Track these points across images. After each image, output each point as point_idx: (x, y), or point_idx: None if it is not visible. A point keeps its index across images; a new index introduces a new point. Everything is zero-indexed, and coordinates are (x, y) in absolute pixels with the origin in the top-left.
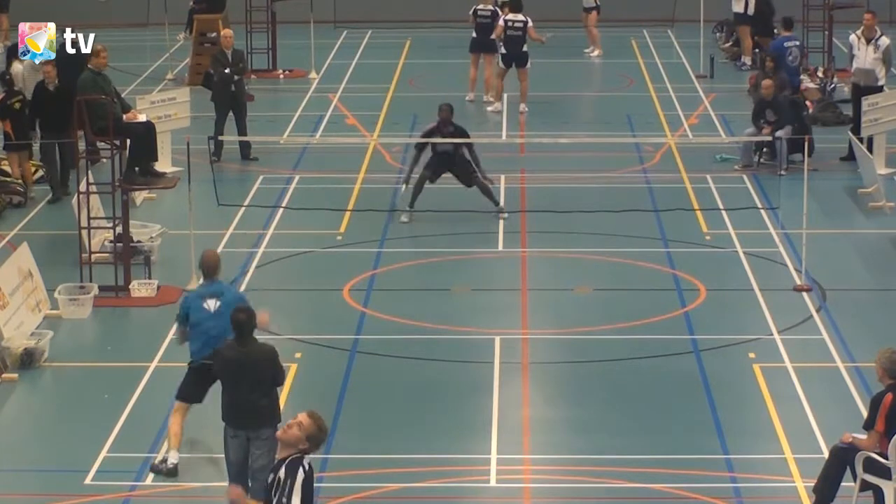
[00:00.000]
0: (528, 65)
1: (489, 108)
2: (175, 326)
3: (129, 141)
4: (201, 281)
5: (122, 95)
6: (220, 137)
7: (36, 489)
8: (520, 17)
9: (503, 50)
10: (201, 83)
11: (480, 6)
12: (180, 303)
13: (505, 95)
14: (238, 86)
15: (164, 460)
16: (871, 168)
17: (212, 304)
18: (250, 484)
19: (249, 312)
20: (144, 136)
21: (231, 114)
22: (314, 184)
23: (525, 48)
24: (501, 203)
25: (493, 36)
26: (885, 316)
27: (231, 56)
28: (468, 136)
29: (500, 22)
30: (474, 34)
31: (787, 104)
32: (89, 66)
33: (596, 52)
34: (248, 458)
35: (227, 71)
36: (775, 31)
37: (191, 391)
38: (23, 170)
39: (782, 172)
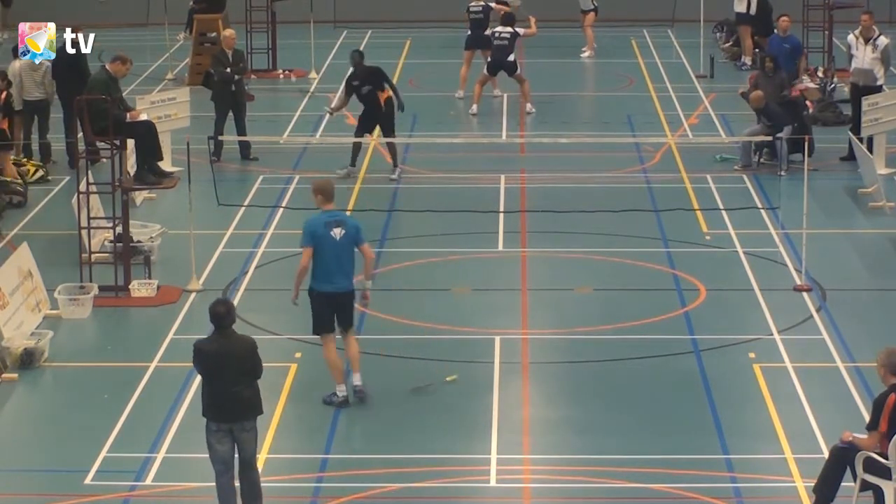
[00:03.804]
0: (519, 70)
1: (470, 111)
2: (304, 251)
3: (133, 141)
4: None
5: (123, 95)
6: (220, 137)
7: (36, 489)
8: (507, 29)
9: (489, 58)
10: (201, 83)
11: (472, 3)
12: (306, 228)
13: (505, 96)
14: (238, 86)
15: (334, 394)
16: (871, 168)
17: (338, 233)
18: (239, 471)
19: (229, 305)
20: (146, 136)
21: (231, 114)
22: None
23: (512, 57)
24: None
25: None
26: (885, 316)
27: (231, 56)
28: (382, 72)
29: (466, 10)
30: (469, 31)
31: (778, 110)
32: (107, 67)
33: (587, 53)
34: (235, 450)
35: (227, 70)
36: (775, 30)
37: (326, 323)
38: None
39: (782, 173)
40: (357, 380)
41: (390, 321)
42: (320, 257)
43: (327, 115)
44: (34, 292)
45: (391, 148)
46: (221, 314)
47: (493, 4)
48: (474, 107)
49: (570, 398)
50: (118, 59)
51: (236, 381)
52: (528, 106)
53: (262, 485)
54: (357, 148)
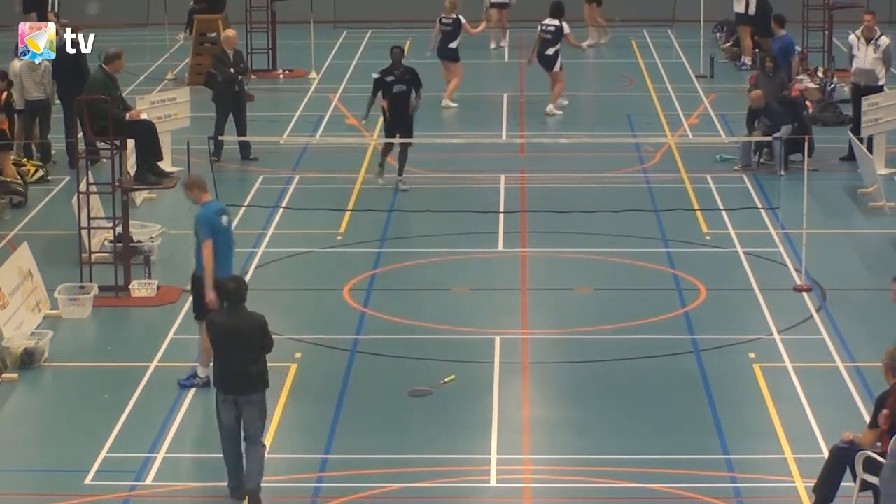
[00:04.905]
0: (557, 67)
1: (445, 106)
2: (207, 243)
3: (133, 141)
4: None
5: (123, 95)
6: (220, 137)
7: (36, 489)
8: (554, 21)
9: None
10: (203, 83)
11: (444, 15)
12: (203, 220)
13: (505, 95)
14: (240, 86)
15: (196, 376)
16: (871, 168)
17: (225, 220)
18: (245, 446)
19: (240, 281)
20: (146, 136)
21: (232, 114)
22: (314, 184)
23: (551, 51)
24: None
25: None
26: (885, 316)
27: (233, 56)
28: (419, 78)
29: (436, 22)
30: (439, 41)
31: (779, 109)
32: (104, 67)
33: (586, 43)
34: (241, 422)
35: (231, 71)
36: None
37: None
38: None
39: (781, 173)
40: None
41: (390, 321)
42: (217, 246)
43: (362, 121)
44: (34, 292)
45: (403, 154)
46: (232, 290)
47: (463, 20)
48: (552, 106)
49: (570, 398)
50: (113, 57)
51: (244, 356)
52: (550, 107)
53: (263, 485)
54: (388, 150)
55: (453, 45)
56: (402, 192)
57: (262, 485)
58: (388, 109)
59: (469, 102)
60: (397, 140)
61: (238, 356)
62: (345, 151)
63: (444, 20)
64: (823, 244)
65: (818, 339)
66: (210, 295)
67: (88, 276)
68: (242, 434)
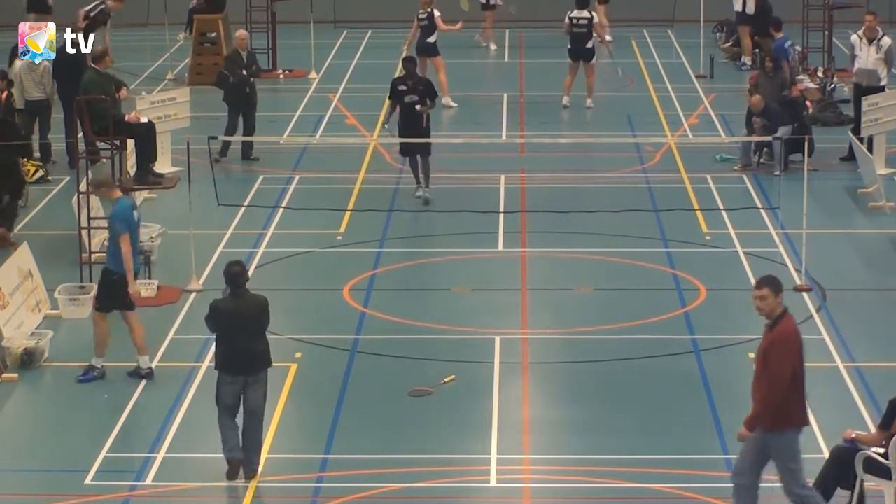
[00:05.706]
0: (594, 61)
1: (445, 104)
2: (125, 237)
3: (134, 141)
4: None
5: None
6: (226, 137)
7: (36, 489)
8: (584, 13)
9: (569, 45)
10: (214, 83)
11: (420, 10)
12: (120, 215)
13: (505, 95)
14: (251, 88)
15: (94, 367)
16: (871, 168)
17: (136, 216)
18: (248, 421)
19: (243, 265)
20: (145, 137)
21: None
22: (314, 184)
23: (590, 44)
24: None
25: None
26: (885, 316)
27: (245, 58)
28: (433, 89)
29: (414, 19)
30: (418, 37)
31: (779, 109)
32: (94, 66)
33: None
34: (243, 400)
35: (244, 73)
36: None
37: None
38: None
39: (777, 173)
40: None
41: (390, 321)
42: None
43: (388, 133)
44: (34, 292)
45: (426, 167)
46: (237, 273)
47: (436, 13)
48: (566, 98)
49: (570, 398)
50: (101, 55)
51: (250, 338)
52: (588, 101)
53: (262, 485)
54: (416, 165)
55: (431, 39)
56: (418, 198)
57: (262, 485)
58: (400, 118)
59: (469, 102)
60: (405, 140)
61: (245, 338)
62: (345, 151)
63: (420, 15)
64: (823, 244)
65: (818, 339)
66: (133, 287)
67: (88, 276)
68: (242, 408)
